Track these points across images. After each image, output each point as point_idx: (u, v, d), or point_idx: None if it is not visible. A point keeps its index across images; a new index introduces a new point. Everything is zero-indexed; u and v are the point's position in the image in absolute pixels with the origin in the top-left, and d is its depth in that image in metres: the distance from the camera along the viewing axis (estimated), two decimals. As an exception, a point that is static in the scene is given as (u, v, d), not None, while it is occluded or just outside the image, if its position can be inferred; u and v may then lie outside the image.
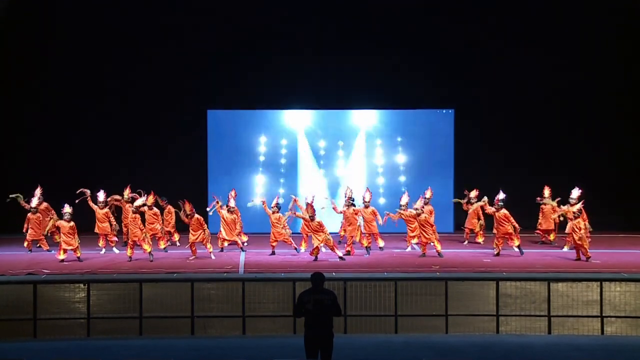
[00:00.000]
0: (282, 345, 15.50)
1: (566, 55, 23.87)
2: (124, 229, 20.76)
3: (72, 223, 19.01)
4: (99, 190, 20.34)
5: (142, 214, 19.72)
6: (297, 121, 24.12)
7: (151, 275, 17.28)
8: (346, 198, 20.43)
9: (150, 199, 19.88)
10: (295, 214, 19.89)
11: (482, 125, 24.01)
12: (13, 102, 23.99)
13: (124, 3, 23.64)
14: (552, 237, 21.35)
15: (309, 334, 12.09)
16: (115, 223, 20.32)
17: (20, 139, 24.04)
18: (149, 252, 19.07)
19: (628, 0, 23.85)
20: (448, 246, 20.75)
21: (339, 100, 24.13)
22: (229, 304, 16.61)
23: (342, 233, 20.88)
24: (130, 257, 19.12)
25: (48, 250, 20.02)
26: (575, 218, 18.91)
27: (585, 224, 19.08)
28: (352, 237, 19.88)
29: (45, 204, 20.51)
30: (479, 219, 21.19)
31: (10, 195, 20.10)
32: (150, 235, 19.39)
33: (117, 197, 20.92)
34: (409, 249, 20.72)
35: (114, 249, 20.37)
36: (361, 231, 19.98)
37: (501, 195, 19.67)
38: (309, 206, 19.29)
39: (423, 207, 19.80)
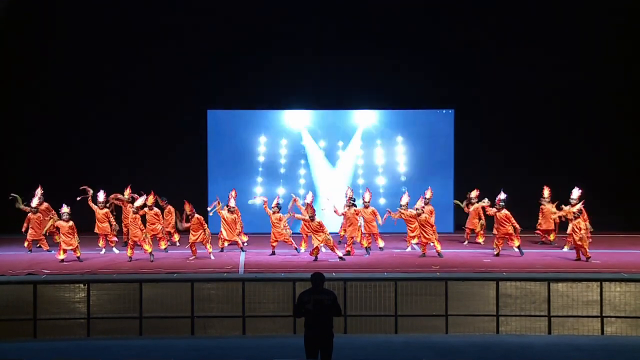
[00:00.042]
0: (282, 345, 15.51)
1: (566, 55, 23.87)
2: (124, 229, 20.77)
3: (71, 223, 19.01)
4: (99, 191, 20.34)
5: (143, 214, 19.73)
6: (298, 121, 24.11)
7: (151, 276, 17.29)
8: (347, 198, 20.46)
9: (151, 199, 19.87)
10: (294, 215, 19.90)
11: (482, 125, 24.00)
12: (13, 102, 23.99)
13: (124, 3, 23.64)
14: (552, 237, 21.34)
15: (309, 334, 12.09)
16: (115, 223, 20.32)
17: (20, 139, 24.03)
18: (150, 253, 19.08)
19: (628, 0, 23.86)
20: (448, 246, 20.75)
21: (339, 100, 24.13)
22: (229, 304, 16.61)
23: (342, 233, 20.88)
24: (130, 257, 19.12)
25: (48, 251, 20.02)
26: (576, 218, 18.90)
27: (586, 224, 19.07)
28: (352, 237, 19.88)
29: (45, 204, 20.52)
30: (479, 218, 21.18)
31: (12, 194, 20.11)
32: (150, 236, 19.40)
33: (120, 196, 20.90)
34: (409, 249, 20.72)
35: (114, 249, 20.37)
36: (361, 231, 19.98)
37: (502, 196, 19.67)
38: (309, 206, 19.30)
39: (423, 207, 19.81)
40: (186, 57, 23.84)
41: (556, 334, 16.47)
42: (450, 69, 23.91)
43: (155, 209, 20.06)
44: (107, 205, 20.54)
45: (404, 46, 23.82)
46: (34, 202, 20.19)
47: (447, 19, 23.94)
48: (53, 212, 20.11)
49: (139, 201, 19.62)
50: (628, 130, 24.25)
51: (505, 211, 19.40)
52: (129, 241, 19.48)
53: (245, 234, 21.13)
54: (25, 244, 20.29)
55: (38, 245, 20.39)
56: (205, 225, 19.50)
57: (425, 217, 19.65)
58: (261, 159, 24.09)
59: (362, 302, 16.56)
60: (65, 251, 18.91)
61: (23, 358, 12.95)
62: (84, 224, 20.15)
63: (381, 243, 20.57)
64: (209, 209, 21.17)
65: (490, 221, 20.53)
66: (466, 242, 21.68)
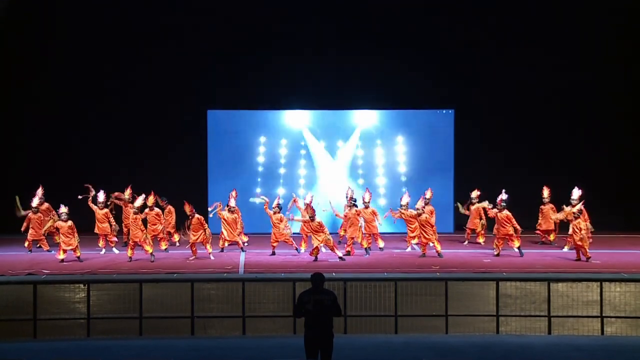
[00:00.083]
0: (282, 345, 15.50)
1: (566, 55, 23.87)
2: (124, 229, 20.77)
3: (69, 222, 18.99)
4: (99, 191, 20.34)
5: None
6: (298, 121, 24.11)
7: (151, 276, 17.29)
8: (348, 198, 20.46)
9: (151, 200, 19.86)
10: (293, 218, 19.90)
11: (482, 125, 24.00)
12: (13, 102, 23.99)
13: (124, 3, 23.63)
14: (552, 237, 21.34)
15: (309, 334, 12.09)
16: (115, 223, 20.32)
17: (20, 139, 24.03)
18: (151, 253, 19.07)
19: (628, 0, 23.85)
20: (448, 246, 20.75)
21: (339, 100, 24.12)
22: (229, 304, 16.61)
23: (342, 233, 20.90)
24: (130, 257, 19.12)
25: (48, 251, 20.02)
26: (576, 218, 18.90)
27: (587, 224, 19.06)
28: (352, 237, 19.87)
29: (46, 204, 20.54)
30: (480, 218, 21.16)
31: (17, 205, 20.18)
32: (151, 236, 19.39)
33: (122, 195, 20.88)
34: (409, 249, 20.72)
35: (114, 249, 20.37)
36: (362, 232, 19.98)
37: (504, 196, 19.66)
38: (308, 206, 19.30)
39: (424, 208, 19.81)
40: (186, 57, 23.83)
41: (556, 334, 16.46)
42: (450, 69, 23.90)
43: (157, 210, 20.04)
44: (108, 204, 20.55)
45: (404, 46, 23.82)
46: (35, 201, 20.20)
47: (447, 19, 23.93)
48: (54, 212, 20.09)
49: (139, 201, 19.60)
50: (628, 130, 24.25)
51: (506, 212, 19.39)
52: (130, 241, 19.47)
53: (246, 234, 21.13)
54: (26, 243, 20.30)
55: (38, 245, 20.39)
56: (206, 225, 19.50)
57: (426, 217, 19.65)
58: (261, 159, 24.09)
59: (362, 302, 16.55)
60: (65, 251, 18.91)
61: (23, 358, 12.98)
62: (84, 224, 20.14)
63: (381, 243, 20.57)
64: (210, 209, 21.13)
65: (490, 221, 20.52)
66: (466, 242, 21.67)
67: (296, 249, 19.95)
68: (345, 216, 20.17)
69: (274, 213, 19.91)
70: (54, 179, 21.99)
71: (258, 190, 23.61)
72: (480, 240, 21.26)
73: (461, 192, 22.60)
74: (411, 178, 24.09)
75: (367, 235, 20.10)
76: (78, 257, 19.02)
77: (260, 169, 24.07)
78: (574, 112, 24.16)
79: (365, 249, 19.87)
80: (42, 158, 23.73)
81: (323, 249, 19.57)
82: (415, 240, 20.29)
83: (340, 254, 19.24)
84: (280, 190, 23.48)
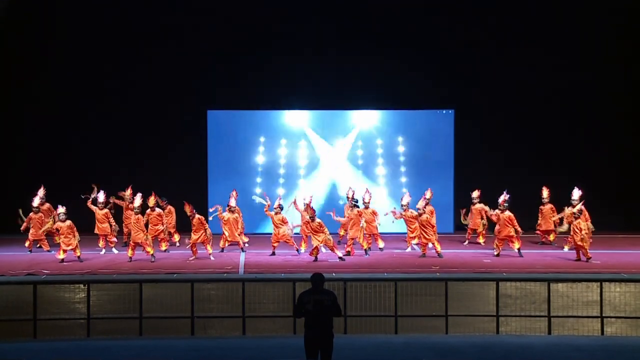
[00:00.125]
0: (282, 345, 15.50)
1: (566, 55, 23.87)
2: (124, 230, 20.77)
3: (68, 222, 18.99)
4: (98, 191, 20.34)
5: (144, 215, 19.68)
6: (298, 121, 24.10)
7: (151, 276, 17.29)
8: (349, 199, 20.44)
9: (152, 200, 19.85)
10: (294, 226, 19.89)
11: (482, 125, 24.00)
12: (13, 102, 23.98)
13: (124, 3, 23.64)
14: (552, 237, 21.33)
15: (309, 334, 12.09)
16: (114, 224, 20.32)
17: (20, 139, 24.03)
18: (152, 254, 19.07)
19: (628, 0, 23.85)
20: (448, 246, 20.75)
21: (339, 100, 24.12)
22: (229, 305, 16.60)
23: (342, 233, 20.90)
24: (130, 257, 19.11)
25: (48, 251, 20.02)
26: (576, 219, 18.90)
27: (587, 224, 19.05)
28: (353, 238, 19.87)
29: (47, 205, 20.55)
30: (482, 218, 21.14)
31: (19, 212, 20.19)
32: (152, 237, 19.39)
33: (124, 194, 20.86)
34: (409, 249, 20.72)
35: (114, 249, 20.37)
36: (362, 232, 19.97)
37: (506, 197, 19.62)
38: (308, 206, 19.30)
39: (425, 208, 19.81)
40: (186, 57, 23.84)
41: (556, 335, 16.45)
42: (450, 69, 23.90)
43: (158, 210, 20.03)
44: (108, 203, 20.55)
45: (404, 46, 23.82)
46: (35, 201, 20.22)
47: (447, 19, 23.93)
48: (55, 212, 20.08)
49: (137, 200, 19.57)
50: (628, 130, 24.25)
51: (508, 213, 19.39)
52: (130, 242, 19.47)
53: (246, 234, 21.13)
54: (27, 243, 20.31)
55: (38, 245, 20.39)
56: (207, 225, 19.50)
57: (427, 218, 19.65)
58: (261, 159, 24.09)
59: (362, 302, 16.54)
60: (65, 251, 18.91)
61: (23, 358, 12.99)
62: (84, 224, 20.13)
63: (381, 244, 20.57)
64: (210, 210, 21.08)
65: (491, 222, 20.50)
66: (466, 242, 21.66)
67: (297, 250, 19.94)
68: (348, 217, 20.17)
69: (275, 214, 19.90)
70: (54, 179, 22.00)
71: (258, 191, 23.60)
72: (481, 240, 21.25)
73: (461, 192, 22.60)
74: (411, 178, 24.07)
75: (367, 235, 20.10)
76: (78, 257, 19.02)
77: (260, 169, 24.07)
78: (574, 112, 24.16)
79: (365, 249, 19.86)
80: (42, 158, 23.74)
81: (323, 249, 19.58)
82: (416, 241, 20.30)
83: (340, 254, 19.24)
84: (280, 191, 23.47)
